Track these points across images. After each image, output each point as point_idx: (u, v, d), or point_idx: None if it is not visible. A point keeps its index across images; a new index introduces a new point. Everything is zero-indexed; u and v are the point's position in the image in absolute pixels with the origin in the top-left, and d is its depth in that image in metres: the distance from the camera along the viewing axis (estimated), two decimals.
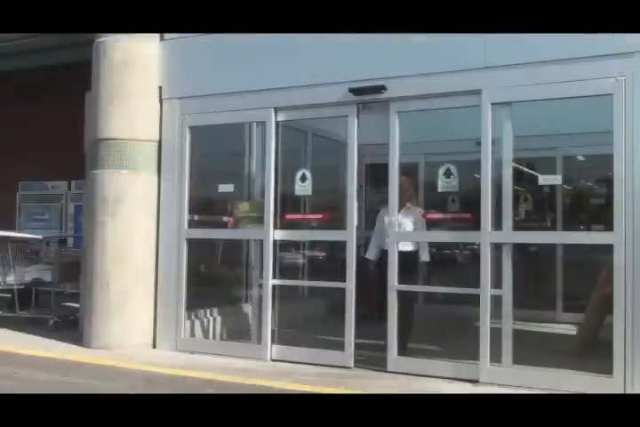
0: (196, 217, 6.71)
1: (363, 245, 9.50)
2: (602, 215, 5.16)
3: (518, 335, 5.38)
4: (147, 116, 6.73)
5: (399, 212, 5.92)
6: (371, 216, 9.75)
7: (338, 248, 7.69)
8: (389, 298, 5.70)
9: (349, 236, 6.04)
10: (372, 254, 6.73)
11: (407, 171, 9.70)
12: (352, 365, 5.80)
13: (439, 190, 5.75)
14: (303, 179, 6.36)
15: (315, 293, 8.86)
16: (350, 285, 5.93)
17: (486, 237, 5.29)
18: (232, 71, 6.42)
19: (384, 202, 6.11)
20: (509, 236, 5.26)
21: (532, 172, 7.44)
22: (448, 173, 5.68)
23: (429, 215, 6.42)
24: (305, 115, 6.38)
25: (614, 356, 4.83)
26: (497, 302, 5.29)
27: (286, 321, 6.54)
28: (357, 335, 5.92)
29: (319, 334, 7.22)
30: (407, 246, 6.22)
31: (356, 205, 6.13)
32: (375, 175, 9.98)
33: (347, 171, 6.14)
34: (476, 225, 5.39)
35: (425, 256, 6.34)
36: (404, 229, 6.02)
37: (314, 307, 8.47)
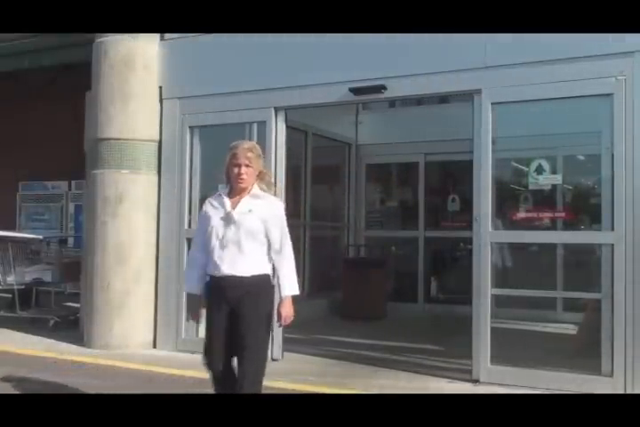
0: (196, 217, 6.70)
1: (364, 245, 9.57)
2: (602, 215, 5.13)
3: (519, 335, 5.37)
4: (147, 116, 6.73)
5: (230, 199, 3.75)
6: (371, 216, 9.81)
7: None
8: None
9: None
10: (193, 286, 3.80)
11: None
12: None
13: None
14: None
15: (315, 293, 8.86)
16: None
17: (486, 236, 5.29)
18: (232, 71, 6.41)
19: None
20: (511, 235, 5.24)
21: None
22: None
23: (518, 215, 5.76)
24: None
25: (614, 356, 4.82)
26: (497, 301, 5.30)
27: None
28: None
29: (318, 333, 7.23)
30: (251, 268, 3.65)
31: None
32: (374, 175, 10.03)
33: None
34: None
35: (289, 289, 3.69)
36: (245, 231, 3.64)
37: (313, 307, 8.48)
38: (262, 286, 3.67)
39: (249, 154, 3.71)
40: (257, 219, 3.67)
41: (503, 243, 5.40)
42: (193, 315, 3.87)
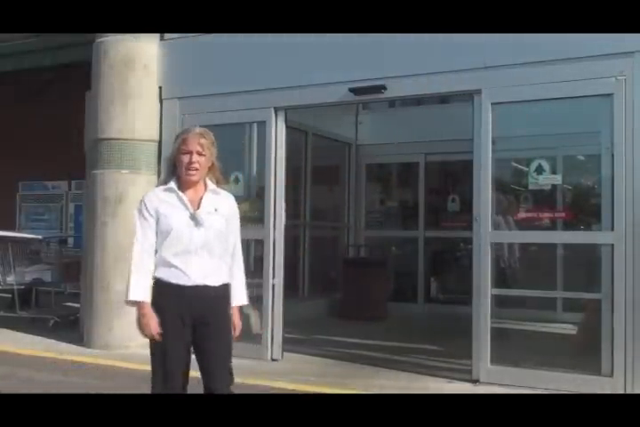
0: None
1: (364, 245, 9.57)
2: (602, 215, 5.13)
3: (519, 335, 5.37)
4: (147, 116, 6.73)
5: (184, 192, 3.21)
6: (371, 216, 9.81)
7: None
8: None
9: (267, 234, 6.07)
10: (145, 294, 3.52)
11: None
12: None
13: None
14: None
15: (316, 293, 8.88)
16: (278, 280, 6.07)
17: (486, 236, 5.28)
18: (232, 71, 6.41)
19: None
20: (510, 235, 5.24)
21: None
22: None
23: (518, 215, 5.73)
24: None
25: (614, 356, 4.82)
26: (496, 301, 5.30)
27: (285, 321, 6.54)
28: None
29: (318, 333, 7.23)
30: (222, 277, 3.23)
31: (273, 201, 6.04)
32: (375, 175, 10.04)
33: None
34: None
35: (243, 297, 3.36)
36: (215, 234, 3.20)
37: (313, 307, 8.49)
38: (227, 296, 3.26)
39: (202, 140, 3.15)
40: (222, 219, 3.21)
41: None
42: (154, 329, 3.33)
